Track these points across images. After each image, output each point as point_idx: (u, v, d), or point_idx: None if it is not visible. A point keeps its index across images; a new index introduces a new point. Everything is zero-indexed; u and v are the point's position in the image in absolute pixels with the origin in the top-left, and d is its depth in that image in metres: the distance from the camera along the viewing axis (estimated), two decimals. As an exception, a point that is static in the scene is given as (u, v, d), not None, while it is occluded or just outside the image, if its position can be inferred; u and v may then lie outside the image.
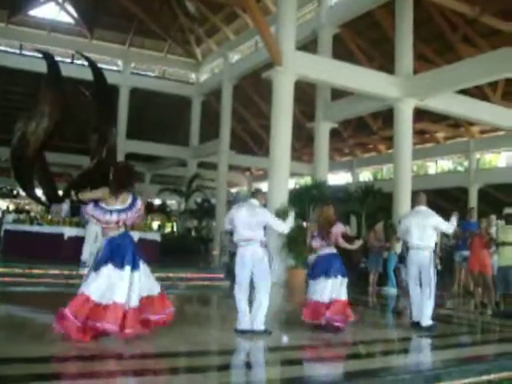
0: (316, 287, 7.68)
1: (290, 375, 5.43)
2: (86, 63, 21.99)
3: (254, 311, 7.02)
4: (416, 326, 8.10)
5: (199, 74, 33.71)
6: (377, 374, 5.47)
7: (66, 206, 17.13)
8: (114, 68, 31.95)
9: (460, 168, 30.51)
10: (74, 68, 26.18)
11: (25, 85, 28.83)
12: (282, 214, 15.68)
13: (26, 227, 16.84)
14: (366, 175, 36.08)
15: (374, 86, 18.18)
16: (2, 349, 5.56)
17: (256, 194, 7.53)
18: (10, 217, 21.08)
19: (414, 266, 8.25)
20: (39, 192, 20.20)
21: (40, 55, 20.69)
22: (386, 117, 23.30)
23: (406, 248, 8.78)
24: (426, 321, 8.01)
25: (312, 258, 8.02)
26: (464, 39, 21.75)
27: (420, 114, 21.00)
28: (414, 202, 8.68)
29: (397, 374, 5.58)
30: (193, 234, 30.03)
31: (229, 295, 8.05)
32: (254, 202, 7.31)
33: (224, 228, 8.70)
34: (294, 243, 14.09)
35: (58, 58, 20.36)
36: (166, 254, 17.65)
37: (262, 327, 6.98)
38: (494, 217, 11.53)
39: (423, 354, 7.09)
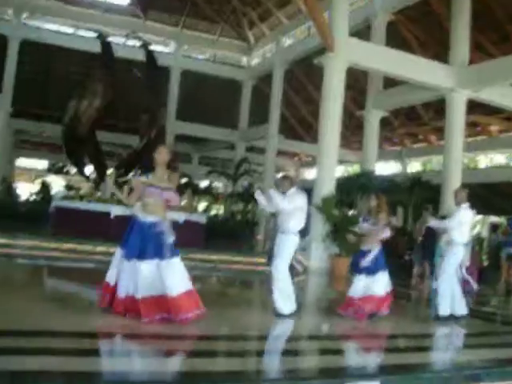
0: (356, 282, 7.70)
1: (326, 365, 5.45)
2: (138, 44, 22.17)
3: None
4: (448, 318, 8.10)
5: (251, 57, 33.64)
6: (414, 369, 5.40)
7: (111, 184, 17.34)
8: (167, 50, 32.18)
9: (512, 163, 29.77)
10: (127, 49, 26.49)
11: (79, 64, 29.27)
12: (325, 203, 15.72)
13: (75, 204, 17.06)
14: (414, 166, 35.54)
15: (427, 76, 17.85)
16: (47, 321, 5.70)
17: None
18: (60, 194, 21.53)
19: (458, 262, 8.24)
20: (89, 169, 20.63)
21: (94, 35, 20.92)
22: (438, 107, 22.88)
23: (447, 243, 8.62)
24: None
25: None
26: (523, 30, 21.15)
27: (473, 106, 20.52)
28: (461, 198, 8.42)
29: (434, 371, 5.52)
30: (238, 217, 30.12)
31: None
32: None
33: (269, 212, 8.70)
34: (339, 231, 14.04)
35: (111, 39, 20.73)
36: (210, 237, 17.78)
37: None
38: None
39: (463, 352, 6.95)
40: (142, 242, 6.04)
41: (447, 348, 7.18)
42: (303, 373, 5.04)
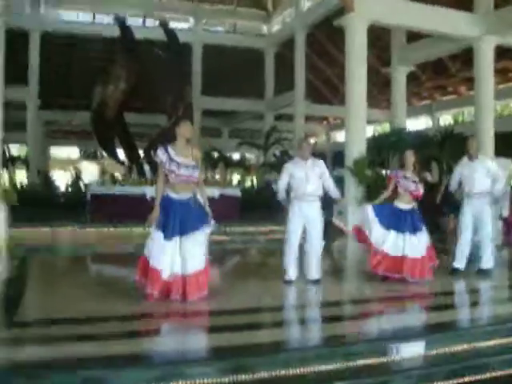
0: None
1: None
2: (157, 24, 22.08)
3: None
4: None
5: (271, 25, 33.30)
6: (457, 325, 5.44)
7: (146, 167, 17.57)
8: (186, 26, 32.07)
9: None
10: (147, 30, 26.50)
11: (100, 51, 29.39)
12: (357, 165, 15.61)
13: (110, 189, 17.21)
14: (446, 119, 35.01)
15: (451, 26, 17.49)
16: (92, 306, 5.85)
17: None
18: (95, 181, 21.79)
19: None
20: (121, 153, 20.80)
21: (112, 20, 20.89)
22: (466, 57, 22.43)
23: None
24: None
25: None
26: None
27: (501, 52, 20.06)
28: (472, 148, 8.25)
29: (477, 326, 5.55)
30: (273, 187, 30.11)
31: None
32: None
33: None
34: (374, 192, 13.96)
35: (130, 22, 20.72)
36: (245, 209, 17.84)
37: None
38: None
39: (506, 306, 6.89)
40: (180, 220, 6.02)
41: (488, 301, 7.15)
42: (345, 338, 5.09)
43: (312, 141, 40.49)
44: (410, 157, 7.70)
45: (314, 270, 7.30)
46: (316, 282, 7.27)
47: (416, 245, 7.43)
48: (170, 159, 6.03)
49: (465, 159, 8.22)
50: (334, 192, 7.48)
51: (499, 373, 4.63)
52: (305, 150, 7.34)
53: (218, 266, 8.83)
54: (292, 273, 7.28)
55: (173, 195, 6.10)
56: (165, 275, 5.92)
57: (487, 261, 8.13)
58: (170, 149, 6.11)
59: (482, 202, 8.06)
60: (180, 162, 6.03)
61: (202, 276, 6.05)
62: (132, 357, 4.26)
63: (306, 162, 7.29)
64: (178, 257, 5.98)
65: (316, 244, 7.30)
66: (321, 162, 7.41)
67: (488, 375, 4.57)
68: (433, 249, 7.66)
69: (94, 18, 30.76)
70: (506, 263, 10.23)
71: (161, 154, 6.08)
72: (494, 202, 8.57)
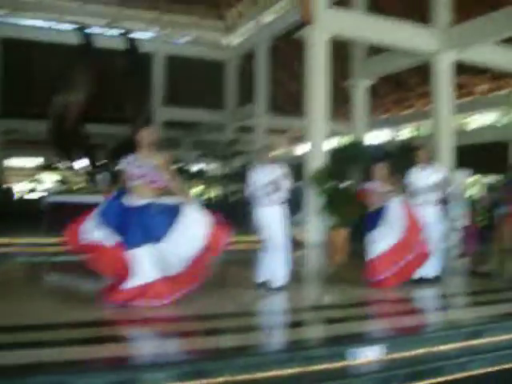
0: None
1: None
2: (118, 33, 21.92)
3: None
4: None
5: (232, 37, 33.44)
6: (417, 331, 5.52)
7: (105, 175, 17.43)
8: (147, 36, 31.98)
9: (503, 121, 29.76)
10: (108, 39, 26.29)
11: (60, 58, 29.04)
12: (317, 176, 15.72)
13: (68, 198, 16.92)
14: (405, 132, 35.55)
15: (410, 41, 17.76)
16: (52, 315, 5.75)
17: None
18: (52, 189, 21.47)
19: None
20: (80, 163, 20.52)
21: (74, 28, 20.72)
22: (425, 72, 22.84)
23: None
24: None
25: None
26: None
27: (459, 67, 20.44)
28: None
29: (435, 331, 5.62)
30: (233, 198, 30.04)
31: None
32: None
33: None
34: (334, 203, 14.08)
35: (91, 30, 20.57)
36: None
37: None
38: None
39: (463, 311, 7.01)
40: (138, 226, 5.93)
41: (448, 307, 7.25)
42: (310, 342, 5.11)
43: (273, 153, 40.62)
44: (380, 170, 7.87)
45: (277, 277, 7.29)
46: (278, 289, 7.26)
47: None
48: (131, 164, 5.99)
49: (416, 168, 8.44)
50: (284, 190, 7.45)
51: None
52: (264, 157, 7.38)
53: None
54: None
55: (130, 202, 6.02)
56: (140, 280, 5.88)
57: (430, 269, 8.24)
58: (132, 157, 6.07)
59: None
60: (140, 164, 5.98)
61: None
62: (90, 362, 4.20)
63: (265, 168, 7.33)
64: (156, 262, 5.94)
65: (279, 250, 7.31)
66: (280, 166, 7.43)
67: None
68: None
69: (54, 23, 30.31)
70: (459, 272, 10.36)
71: (122, 163, 6.06)
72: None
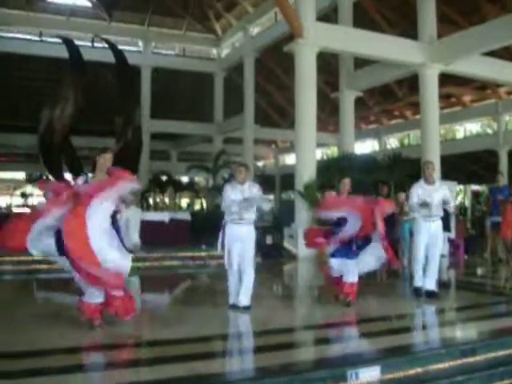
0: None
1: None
2: (106, 46, 21.77)
3: None
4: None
5: (220, 49, 33.46)
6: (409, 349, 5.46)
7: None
8: (135, 49, 31.91)
9: (489, 131, 29.97)
10: (95, 51, 26.20)
11: (46, 71, 28.95)
12: (307, 189, 15.68)
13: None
14: (393, 142, 35.72)
15: (397, 53, 17.91)
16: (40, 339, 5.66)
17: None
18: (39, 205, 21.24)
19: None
20: (68, 176, 20.33)
21: (60, 41, 20.55)
22: (411, 83, 22.97)
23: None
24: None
25: None
26: (489, -1, 21.14)
27: (445, 78, 20.57)
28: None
29: (430, 349, 5.53)
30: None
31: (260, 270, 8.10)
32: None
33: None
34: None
35: (78, 43, 20.47)
36: (196, 232, 17.61)
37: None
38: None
39: (458, 327, 6.92)
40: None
41: (443, 323, 7.19)
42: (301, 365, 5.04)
43: (260, 163, 40.71)
44: (348, 184, 7.87)
45: (244, 296, 7.12)
46: (246, 308, 7.09)
47: None
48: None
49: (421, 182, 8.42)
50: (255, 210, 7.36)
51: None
52: (241, 174, 7.31)
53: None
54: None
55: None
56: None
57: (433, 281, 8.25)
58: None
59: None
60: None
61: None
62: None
63: (242, 186, 7.26)
64: None
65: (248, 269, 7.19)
66: (257, 186, 7.38)
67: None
68: None
69: (40, 36, 30.17)
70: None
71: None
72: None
